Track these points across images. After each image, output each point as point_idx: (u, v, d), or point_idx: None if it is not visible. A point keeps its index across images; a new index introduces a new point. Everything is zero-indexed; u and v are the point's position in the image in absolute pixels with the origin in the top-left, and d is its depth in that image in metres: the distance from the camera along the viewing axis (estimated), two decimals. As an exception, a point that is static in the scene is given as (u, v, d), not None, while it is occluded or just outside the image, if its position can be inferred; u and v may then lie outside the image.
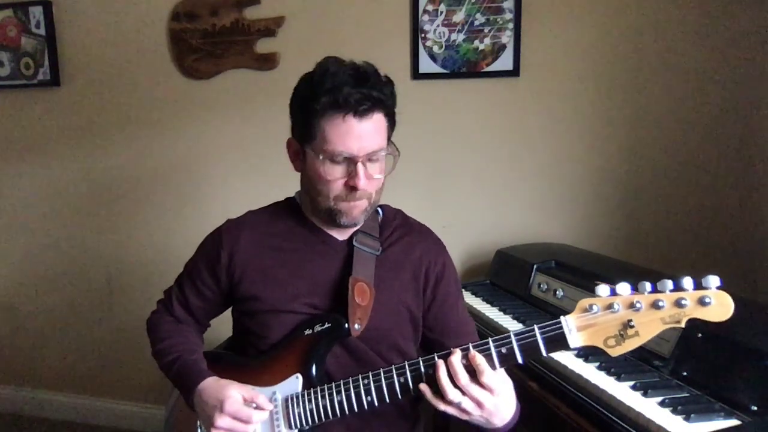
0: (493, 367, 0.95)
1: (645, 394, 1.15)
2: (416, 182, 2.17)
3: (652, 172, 2.01)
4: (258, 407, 1.08)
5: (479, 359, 0.94)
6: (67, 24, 2.49)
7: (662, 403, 1.11)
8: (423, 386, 0.98)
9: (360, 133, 1.07)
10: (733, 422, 1.05)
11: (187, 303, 1.27)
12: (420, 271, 1.23)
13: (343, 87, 1.06)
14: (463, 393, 0.95)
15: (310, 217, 1.23)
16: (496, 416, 0.98)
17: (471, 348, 0.96)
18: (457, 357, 0.96)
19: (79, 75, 2.51)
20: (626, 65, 1.98)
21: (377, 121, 1.09)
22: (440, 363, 0.97)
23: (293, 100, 1.18)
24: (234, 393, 1.07)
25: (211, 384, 1.12)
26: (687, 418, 1.06)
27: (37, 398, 2.79)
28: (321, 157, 1.09)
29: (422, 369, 1.00)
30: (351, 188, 1.10)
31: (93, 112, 2.52)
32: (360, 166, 1.08)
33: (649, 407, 1.10)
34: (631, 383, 1.20)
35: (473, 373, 0.95)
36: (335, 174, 1.09)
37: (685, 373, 1.20)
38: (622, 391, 1.18)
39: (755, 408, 1.05)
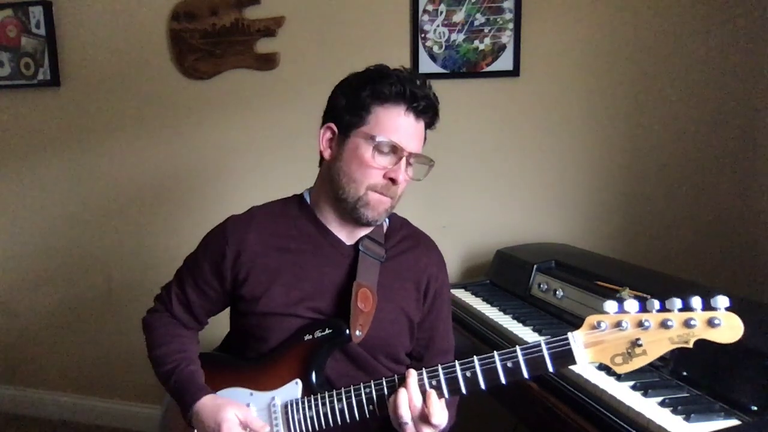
0: (441, 395, 0.99)
1: (645, 394, 1.15)
2: (416, 182, 2.16)
3: (652, 172, 2.01)
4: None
5: (433, 398, 0.98)
6: (67, 24, 2.49)
7: (662, 403, 1.11)
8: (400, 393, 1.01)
9: (413, 131, 1.13)
10: (733, 422, 1.04)
11: (188, 301, 1.24)
12: (422, 282, 1.24)
13: (408, 84, 1.11)
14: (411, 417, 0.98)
15: (320, 216, 1.22)
16: None
17: (427, 387, 0.99)
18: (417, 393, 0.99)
19: (79, 75, 2.51)
20: (626, 65, 1.98)
21: (424, 128, 1.17)
22: (401, 389, 0.99)
23: (346, 85, 1.18)
24: (231, 416, 1.07)
25: (208, 403, 1.11)
26: (687, 418, 1.05)
27: (37, 398, 2.79)
28: (368, 143, 1.11)
29: (426, 381, 1.00)
30: (390, 180, 1.12)
31: (93, 112, 2.52)
32: (404, 161, 1.11)
33: (649, 407, 1.10)
34: (631, 383, 1.19)
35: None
36: (378, 163, 1.11)
37: (685, 373, 1.20)
38: (622, 391, 1.17)
39: (755, 408, 1.05)
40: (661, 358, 1.24)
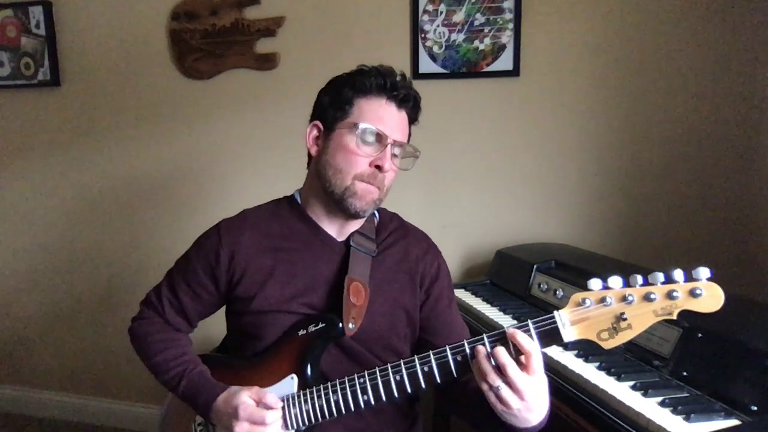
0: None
1: (645, 394, 1.15)
2: (416, 182, 2.17)
3: (651, 171, 2.01)
4: (268, 407, 1.07)
5: (526, 340, 0.91)
6: (67, 24, 2.49)
7: (662, 403, 1.11)
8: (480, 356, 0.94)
9: (396, 121, 1.17)
10: (733, 422, 1.05)
11: (181, 306, 1.24)
12: (416, 273, 1.24)
13: (389, 77, 1.16)
14: (505, 379, 0.91)
15: (311, 215, 1.23)
16: (531, 411, 0.93)
17: (511, 330, 0.93)
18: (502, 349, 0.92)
19: (79, 75, 2.51)
20: (626, 65, 1.98)
21: (407, 119, 1.20)
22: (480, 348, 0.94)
23: (329, 86, 1.23)
24: (245, 398, 1.07)
25: (224, 396, 1.11)
26: (687, 418, 1.06)
27: (37, 398, 2.79)
28: (353, 133, 1.14)
29: (418, 367, 1.00)
30: (376, 168, 1.14)
31: (93, 112, 2.52)
32: (389, 149, 1.14)
33: (649, 407, 1.10)
34: (631, 383, 1.20)
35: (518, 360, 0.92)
36: (363, 151, 1.14)
37: (685, 373, 1.20)
38: (622, 391, 1.17)
39: (755, 408, 1.05)
40: (661, 358, 1.25)
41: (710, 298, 0.88)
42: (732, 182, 1.92)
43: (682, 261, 1.94)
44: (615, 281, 0.91)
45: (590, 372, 1.27)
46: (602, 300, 0.91)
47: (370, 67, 1.18)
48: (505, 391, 0.91)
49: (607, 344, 0.92)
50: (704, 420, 1.05)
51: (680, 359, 1.22)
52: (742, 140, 1.90)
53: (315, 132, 1.22)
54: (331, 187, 1.16)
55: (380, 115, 1.15)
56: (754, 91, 1.86)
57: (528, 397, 0.91)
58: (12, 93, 2.59)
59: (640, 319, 0.90)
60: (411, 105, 1.19)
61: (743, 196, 1.91)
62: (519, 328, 0.95)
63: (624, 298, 0.91)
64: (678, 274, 0.89)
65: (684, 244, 1.99)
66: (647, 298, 0.89)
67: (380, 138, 1.14)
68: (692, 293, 0.88)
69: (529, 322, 0.95)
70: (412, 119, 1.22)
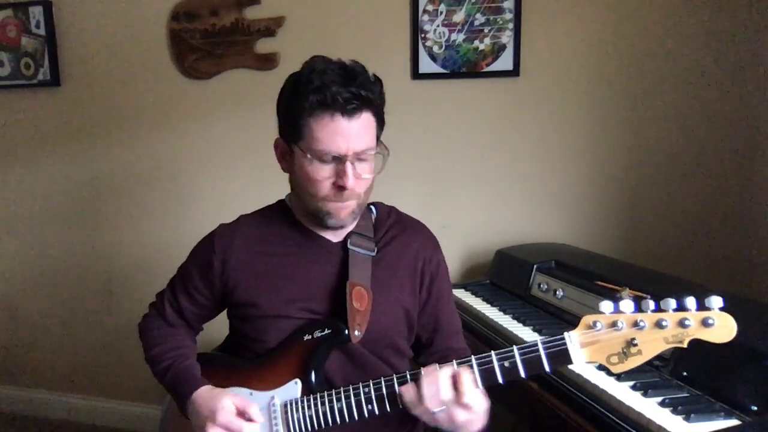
0: (476, 386, 0.98)
1: (645, 394, 1.15)
2: (416, 182, 2.17)
3: (652, 172, 2.01)
4: (249, 419, 1.07)
5: (465, 378, 0.96)
6: (67, 24, 2.49)
7: (662, 403, 1.11)
8: (404, 388, 1.00)
9: (348, 132, 1.06)
10: (733, 422, 1.05)
11: (180, 308, 1.26)
12: (416, 268, 1.23)
13: (331, 85, 1.04)
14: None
15: (302, 219, 1.22)
16: (464, 429, 1.01)
17: (455, 365, 0.98)
18: (444, 373, 0.98)
19: (79, 75, 2.51)
20: (626, 65, 1.98)
21: (366, 120, 1.08)
22: (427, 373, 0.99)
23: (280, 100, 1.16)
24: (227, 404, 1.07)
25: (205, 393, 1.11)
26: (687, 418, 1.06)
27: (37, 398, 2.79)
28: (309, 157, 1.08)
29: None
30: (339, 188, 1.09)
31: (93, 112, 2.52)
32: (348, 165, 1.06)
33: (649, 407, 1.10)
34: (631, 383, 1.20)
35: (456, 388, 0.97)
36: (323, 174, 1.08)
37: (685, 373, 1.20)
38: (622, 391, 1.17)
39: (755, 408, 1.05)
40: (661, 358, 1.25)
41: (722, 328, 0.88)
42: (732, 182, 1.92)
43: (682, 261, 1.96)
44: (626, 305, 0.91)
45: (590, 372, 1.26)
46: (613, 324, 0.91)
47: (313, 75, 1.06)
48: (440, 414, 0.98)
49: (617, 368, 0.92)
50: (704, 420, 1.05)
51: (680, 359, 1.22)
52: (742, 140, 1.89)
53: (280, 148, 1.17)
54: (306, 206, 1.15)
55: (330, 133, 1.05)
56: (756, 90, 1.86)
57: (459, 423, 0.98)
58: (12, 93, 2.59)
59: (651, 346, 0.90)
60: (363, 108, 1.07)
61: (743, 195, 1.91)
62: (528, 347, 0.95)
63: (635, 324, 0.90)
64: (690, 301, 0.89)
65: (683, 244, 1.99)
66: (659, 324, 0.89)
67: (337, 157, 1.07)
68: (704, 323, 0.88)
69: (539, 342, 0.95)
70: (374, 112, 1.10)
